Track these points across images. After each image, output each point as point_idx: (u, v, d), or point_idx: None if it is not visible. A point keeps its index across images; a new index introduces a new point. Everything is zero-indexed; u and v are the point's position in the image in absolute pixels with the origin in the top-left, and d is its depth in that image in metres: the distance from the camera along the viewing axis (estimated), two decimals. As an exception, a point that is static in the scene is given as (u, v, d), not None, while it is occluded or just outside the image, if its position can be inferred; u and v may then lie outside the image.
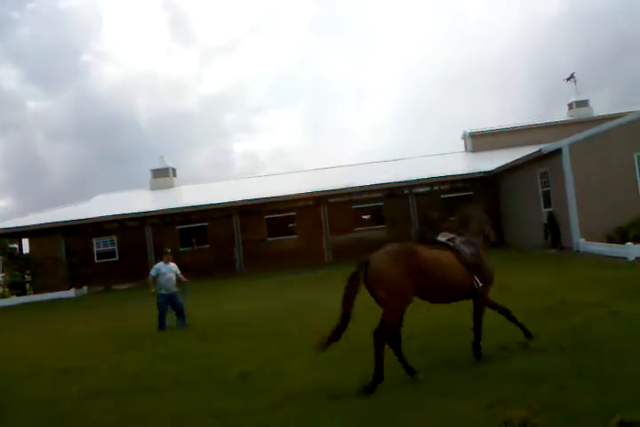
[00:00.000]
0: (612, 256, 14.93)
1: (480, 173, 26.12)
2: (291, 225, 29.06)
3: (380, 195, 28.17)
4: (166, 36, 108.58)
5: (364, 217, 29.46)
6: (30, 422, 6.08)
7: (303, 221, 28.31)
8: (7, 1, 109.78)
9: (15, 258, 30.16)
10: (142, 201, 31.89)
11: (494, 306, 6.86)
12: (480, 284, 6.46)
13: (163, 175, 36.73)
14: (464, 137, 35.32)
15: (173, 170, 37.45)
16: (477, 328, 6.50)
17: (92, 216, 27.88)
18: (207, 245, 28.16)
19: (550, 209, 19.92)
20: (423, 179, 26.81)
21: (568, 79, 36.00)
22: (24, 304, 24.10)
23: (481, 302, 6.61)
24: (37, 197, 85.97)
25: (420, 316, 9.07)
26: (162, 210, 28.20)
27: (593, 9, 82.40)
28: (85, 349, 10.32)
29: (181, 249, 28.19)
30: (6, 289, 28.73)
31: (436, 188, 28.01)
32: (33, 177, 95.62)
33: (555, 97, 73.47)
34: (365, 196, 28.32)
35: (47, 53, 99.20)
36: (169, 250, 12.29)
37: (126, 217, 28.00)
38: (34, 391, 7.32)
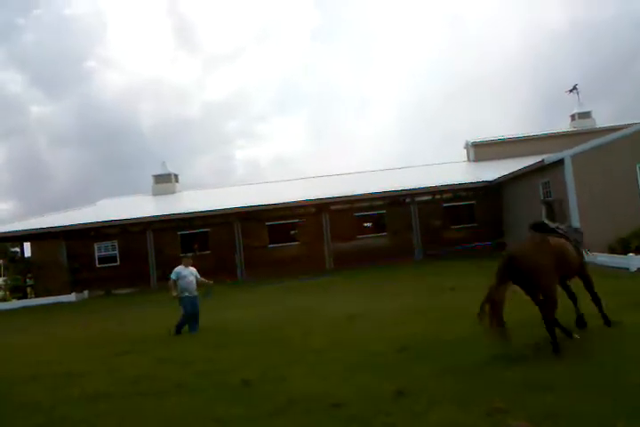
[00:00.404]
0: (613, 267, 14.90)
1: (482, 182, 26.19)
2: (292, 232, 29.05)
3: (382, 203, 28.17)
4: (171, 44, 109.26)
5: (365, 225, 29.47)
6: (29, 426, 6.06)
7: (305, 228, 28.31)
8: (13, 7, 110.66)
9: (16, 262, 30.24)
10: (144, 206, 31.94)
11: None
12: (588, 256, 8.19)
13: (165, 181, 36.79)
14: (466, 146, 35.40)
15: (175, 176, 37.53)
16: (596, 297, 8.01)
17: (94, 221, 27.94)
18: (208, 251, 28.16)
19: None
20: (425, 187, 26.89)
21: (571, 91, 36.13)
22: (25, 308, 24.07)
23: (588, 274, 8.19)
24: (40, 201, 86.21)
25: (409, 329, 9.09)
26: (163, 215, 28.25)
27: (596, 20, 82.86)
28: (86, 353, 10.30)
29: (182, 254, 28.17)
30: (7, 293, 28.75)
31: (438, 196, 28.03)
32: (36, 181, 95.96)
33: (557, 108, 73.75)
34: (367, 203, 28.32)
35: (52, 59, 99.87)
36: (189, 254, 12.28)
37: (128, 222, 28.04)
38: (34, 395, 7.31)
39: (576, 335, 7.25)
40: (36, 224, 28.31)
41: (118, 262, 28.52)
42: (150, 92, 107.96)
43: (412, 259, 26.56)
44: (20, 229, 27.78)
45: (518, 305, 10.35)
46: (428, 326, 9.24)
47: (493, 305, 6.88)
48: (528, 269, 6.93)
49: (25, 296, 28.10)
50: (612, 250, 16.68)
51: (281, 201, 27.21)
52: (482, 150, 33.93)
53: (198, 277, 11.83)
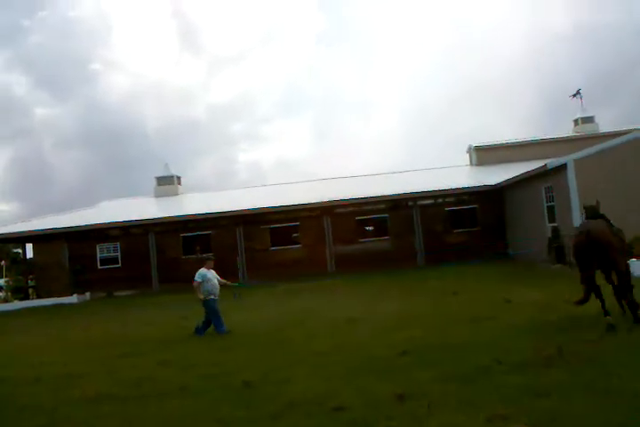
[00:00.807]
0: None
1: (485, 186, 26.18)
2: (294, 235, 29.05)
3: (384, 206, 28.15)
4: (175, 46, 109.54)
5: (367, 228, 29.46)
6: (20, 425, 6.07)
7: (307, 231, 28.30)
8: (18, 9, 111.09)
9: (19, 263, 30.30)
10: (146, 208, 31.96)
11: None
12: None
13: (167, 183, 36.81)
14: (469, 151, 35.37)
15: (178, 178, 37.55)
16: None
17: (96, 222, 27.98)
18: (210, 254, 28.12)
19: (555, 224, 19.91)
20: (428, 191, 26.86)
21: (574, 95, 36.11)
22: (27, 309, 24.07)
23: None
24: (43, 202, 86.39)
25: (411, 333, 9.09)
26: (166, 217, 28.29)
27: (600, 25, 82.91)
28: (87, 354, 10.32)
29: (184, 257, 28.24)
30: (9, 293, 28.80)
31: (440, 200, 27.99)
32: (38, 183, 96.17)
33: (560, 112, 73.76)
34: (370, 207, 28.29)
35: (56, 61, 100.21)
36: (212, 256, 12.35)
37: (130, 224, 28.08)
38: (36, 397, 7.30)
39: (611, 320, 7.80)
40: (39, 225, 28.38)
41: (120, 264, 28.55)
42: (154, 94, 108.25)
43: (414, 263, 26.53)
44: (23, 230, 27.85)
45: (518, 310, 10.38)
46: (429, 331, 9.23)
47: (597, 291, 8.02)
48: (607, 244, 7.91)
49: (27, 297, 28.13)
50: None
51: (283, 204, 27.24)
52: (484, 154, 33.89)
53: (219, 279, 11.86)
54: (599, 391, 5.22)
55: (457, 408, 5.18)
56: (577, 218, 17.98)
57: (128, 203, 34.88)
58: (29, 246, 30.11)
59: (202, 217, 27.81)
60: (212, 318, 11.38)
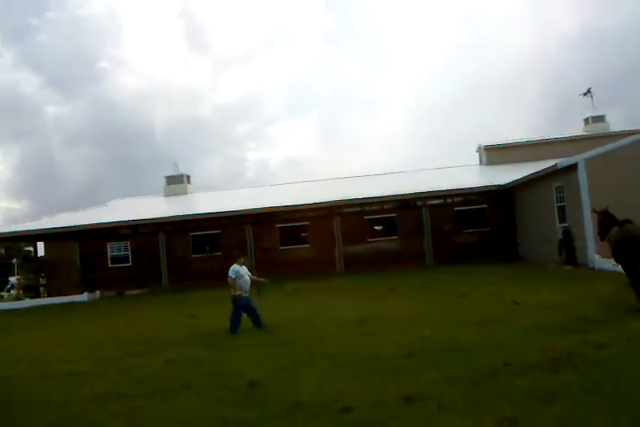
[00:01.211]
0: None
1: (495, 186, 26.04)
2: (303, 234, 29.07)
3: (393, 206, 28.08)
4: (183, 46, 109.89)
5: (376, 228, 29.41)
6: (39, 424, 6.10)
7: (316, 230, 28.29)
8: (27, 8, 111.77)
9: (30, 261, 30.51)
10: (156, 207, 32.11)
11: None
12: None
13: (177, 182, 36.98)
14: (479, 150, 35.25)
15: (187, 177, 37.71)
16: None
17: (107, 221, 28.15)
18: (219, 253, 28.23)
19: (565, 224, 19.77)
20: (437, 191, 26.77)
21: (584, 94, 35.94)
22: (37, 307, 24.26)
23: None
24: (53, 201, 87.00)
25: (418, 334, 9.06)
26: (175, 216, 28.39)
27: (610, 24, 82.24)
28: (96, 353, 10.36)
29: (193, 255, 28.35)
30: (20, 291, 29.02)
31: (449, 200, 27.88)
32: (48, 181, 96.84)
33: (571, 112, 73.22)
34: (378, 206, 28.24)
35: (65, 60, 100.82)
36: (244, 253, 12.30)
37: (140, 223, 28.20)
38: (44, 394, 7.36)
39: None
40: (50, 224, 28.59)
41: (130, 263, 28.71)
42: (162, 93, 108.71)
43: (422, 263, 26.46)
44: (34, 228, 28.07)
45: (527, 312, 10.31)
46: (437, 332, 9.19)
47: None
48: None
49: (38, 295, 28.34)
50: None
51: (292, 203, 27.25)
52: (494, 154, 33.77)
53: (250, 275, 11.84)
54: (607, 396, 5.16)
55: (465, 411, 5.14)
56: (587, 218, 17.85)
57: (138, 202, 35.08)
58: (40, 245, 30.34)
59: (211, 216, 27.88)
60: (233, 315, 11.31)
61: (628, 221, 10.15)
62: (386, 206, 28.11)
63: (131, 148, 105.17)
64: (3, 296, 28.78)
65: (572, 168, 18.65)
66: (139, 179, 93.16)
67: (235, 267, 11.62)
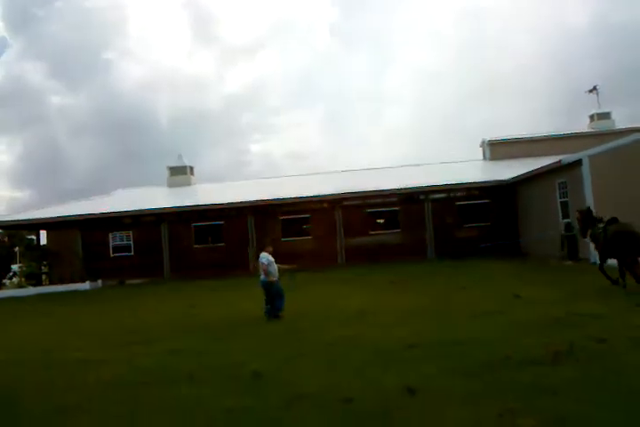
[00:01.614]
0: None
1: (498, 181, 26.02)
2: (305, 226, 29.11)
3: (395, 200, 28.12)
4: (188, 36, 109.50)
5: (378, 221, 29.44)
6: (41, 411, 6.14)
7: (318, 222, 28.35)
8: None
9: (32, 249, 30.59)
10: (159, 198, 32.16)
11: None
12: None
13: (180, 173, 37.00)
14: (483, 145, 35.18)
15: (191, 168, 37.71)
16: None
17: (110, 211, 28.20)
18: (222, 244, 28.34)
19: (568, 220, 19.78)
20: (440, 185, 26.78)
21: (590, 91, 35.76)
22: (40, 295, 24.36)
23: None
24: (56, 190, 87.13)
25: (419, 327, 9.11)
26: (178, 207, 28.44)
27: (619, 19, 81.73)
28: (101, 340, 10.43)
29: (196, 246, 28.44)
30: (23, 279, 29.12)
31: (452, 195, 27.90)
32: (52, 171, 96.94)
33: (577, 108, 72.97)
34: (381, 200, 28.28)
35: (71, 50, 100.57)
36: (271, 241, 12.66)
37: (143, 213, 28.26)
38: (49, 381, 7.42)
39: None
40: (53, 213, 28.66)
41: (132, 253, 28.81)
42: (167, 83, 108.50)
43: (424, 256, 26.51)
44: (37, 217, 28.12)
45: (528, 306, 10.35)
46: (438, 325, 9.24)
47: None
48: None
49: (40, 283, 28.43)
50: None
51: (295, 195, 27.27)
52: (498, 149, 33.70)
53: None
54: (607, 390, 5.21)
55: (466, 402, 5.19)
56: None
57: (141, 192, 35.11)
58: (43, 233, 30.42)
59: (214, 207, 27.93)
60: (276, 298, 11.61)
61: (615, 220, 11.74)
62: (388, 200, 28.14)
63: (135, 138, 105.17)
64: (5, 284, 28.87)
65: (577, 164, 18.65)
66: (142, 169, 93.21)
67: (266, 254, 11.98)
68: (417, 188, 26.84)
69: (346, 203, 28.04)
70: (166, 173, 37.35)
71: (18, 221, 28.22)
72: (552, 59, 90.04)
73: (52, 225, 29.00)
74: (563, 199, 20.42)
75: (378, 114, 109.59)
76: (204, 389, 6.49)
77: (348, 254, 27.32)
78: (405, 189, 26.83)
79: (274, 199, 27.38)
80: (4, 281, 28.95)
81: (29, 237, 33.86)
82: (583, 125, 35.61)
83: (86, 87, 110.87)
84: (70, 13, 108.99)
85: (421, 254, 26.59)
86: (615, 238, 11.26)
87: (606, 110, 34.82)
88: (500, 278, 15.91)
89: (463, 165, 32.89)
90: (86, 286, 25.90)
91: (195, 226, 28.78)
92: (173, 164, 37.31)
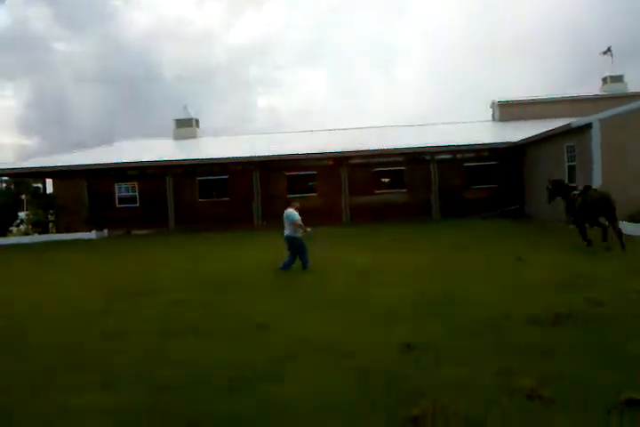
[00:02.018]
0: (635, 235, 14.67)
1: (506, 143, 25.74)
2: (311, 183, 29.06)
3: (401, 159, 27.96)
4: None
5: (384, 180, 29.37)
6: (49, 364, 6.05)
7: (323, 180, 28.30)
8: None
9: (39, 197, 30.72)
10: (165, 150, 32.01)
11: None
12: None
13: (186, 125, 36.67)
14: (492, 106, 34.66)
15: (196, 121, 37.34)
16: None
17: (116, 161, 28.12)
18: (226, 198, 28.40)
19: (574, 184, 19.66)
20: (446, 146, 26.43)
21: (605, 53, 34.89)
22: (46, 242, 24.62)
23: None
24: (63, 138, 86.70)
25: (422, 286, 9.22)
26: (183, 160, 28.34)
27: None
28: (106, 291, 10.48)
29: (200, 200, 28.52)
30: (30, 226, 29.39)
31: (459, 156, 27.70)
32: (59, 119, 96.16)
33: (589, 70, 71.45)
34: (387, 159, 28.11)
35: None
36: (297, 199, 13.45)
37: (149, 165, 28.18)
38: (53, 333, 7.43)
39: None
40: (59, 162, 28.60)
41: (138, 204, 28.94)
42: (175, 34, 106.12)
43: (429, 216, 26.58)
44: (44, 165, 28.09)
45: (530, 268, 10.46)
46: (439, 284, 9.34)
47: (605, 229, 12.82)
48: (614, 205, 12.40)
49: (46, 231, 28.70)
50: (631, 218, 16.47)
51: (301, 152, 27.09)
52: (508, 110, 33.23)
53: None
54: (604, 352, 5.32)
55: (464, 361, 5.31)
56: (597, 178, 17.81)
57: (147, 144, 34.90)
58: (49, 181, 30.47)
59: (219, 161, 27.84)
60: (302, 253, 11.96)
61: (589, 187, 13.54)
62: (394, 159, 27.98)
63: (140, 88, 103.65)
64: (12, 231, 29.17)
65: (586, 128, 18.40)
66: (147, 120, 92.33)
67: (293, 211, 12.36)
68: (424, 148, 26.56)
69: (351, 161, 27.88)
70: (172, 124, 37.06)
71: (23, 169, 28.21)
72: (568, 18, 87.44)
73: (58, 174, 29.01)
74: (570, 163, 20.26)
75: (387, 72, 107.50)
76: (207, 340, 6.59)
77: (352, 213, 27.35)
78: (412, 148, 26.57)
79: (279, 155, 27.19)
80: (12, 228, 29.22)
81: (35, 185, 33.98)
82: (596, 87, 34.98)
83: (92, 34, 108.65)
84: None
85: (426, 214, 26.64)
86: (596, 203, 12.67)
87: (619, 73, 34.10)
88: (502, 240, 16.01)
89: (471, 126, 32.50)
90: (92, 235, 26.16)
91: (199, 180, 28.78)
92: (179, 116, 36.97)
